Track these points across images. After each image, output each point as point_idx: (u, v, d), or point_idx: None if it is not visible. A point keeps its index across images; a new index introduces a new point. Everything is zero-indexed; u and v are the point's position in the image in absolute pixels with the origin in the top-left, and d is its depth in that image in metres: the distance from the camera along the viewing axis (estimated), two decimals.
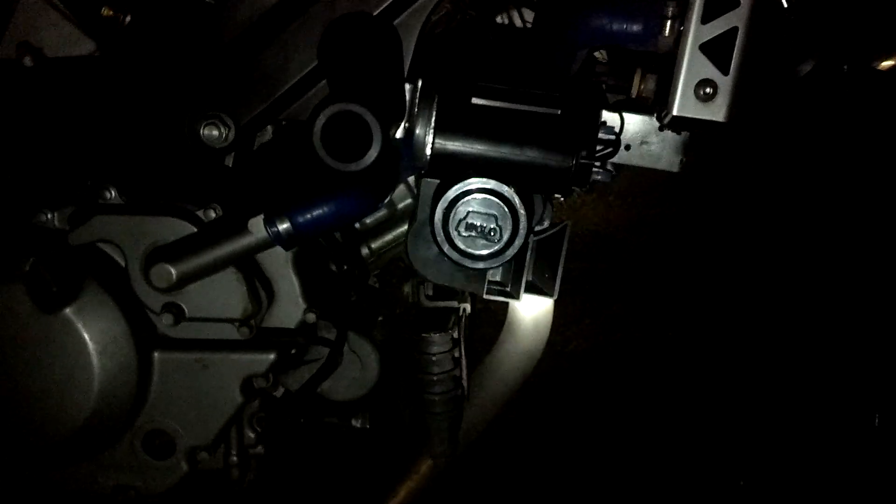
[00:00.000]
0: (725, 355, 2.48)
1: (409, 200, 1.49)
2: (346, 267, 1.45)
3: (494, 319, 1.68)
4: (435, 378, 1.47)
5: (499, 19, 1.40)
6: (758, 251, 2.45)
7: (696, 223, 2.53)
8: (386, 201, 1.48)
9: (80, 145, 1.32)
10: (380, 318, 1.61)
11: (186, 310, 1.33)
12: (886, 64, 1.43)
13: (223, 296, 1.33)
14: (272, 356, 1.38)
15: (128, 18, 1.27)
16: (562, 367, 2.54)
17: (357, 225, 1.52)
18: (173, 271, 1.27)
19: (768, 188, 2.40)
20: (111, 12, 1.26)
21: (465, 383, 1.52)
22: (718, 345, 2.49)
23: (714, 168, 2.38)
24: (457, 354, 1.48)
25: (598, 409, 2.55)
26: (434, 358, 1.45)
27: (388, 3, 1.24)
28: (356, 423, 1.64)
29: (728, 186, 2.46)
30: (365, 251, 1.54)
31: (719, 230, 2.50)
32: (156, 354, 1.37)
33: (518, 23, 1.40)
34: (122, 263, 1.33)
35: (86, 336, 1.30)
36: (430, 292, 1.50)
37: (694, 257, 2.52)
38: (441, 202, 1.19)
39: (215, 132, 1.26)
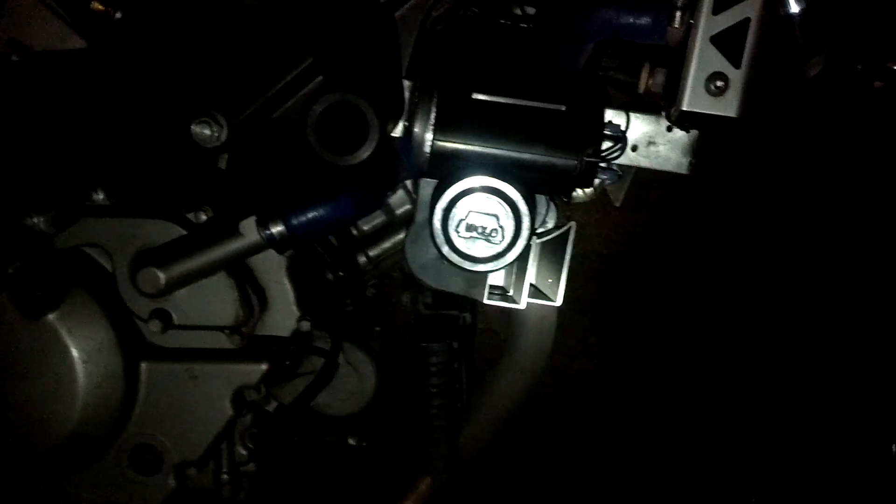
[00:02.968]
0: (735, 376, 2.43)
1: (407, 206, 1.44)
2: (342, 274, 1.40)
3: (496, 330, 1.64)
4: (434, 389, 1.41)
5: (502, 15, 1.36)
6: (770, 269, 2.41)
7: (704, 242, 2.48)
8: (384, 207, 1.43)
9: (68, 144, 1.28)
10: (377, 329, 1.57)
11: (175, 317, 1.29)
12: None
13: (213, 302, 1.28)
14: (264, 366, 1.33)
15: (118, 14, 1.23)
16: (566, 388, 2.49)
17: (354, 231, 1.48)
18: (161, 276, 1.23)
19: (779, 198, 2.36)
20: (102, 7, 1.22)
21: (464, 396, 1.46)
22: (727, 365, 2.44)
23: (721, 182, 2.35)
24: (457, 365, 1.43)
25: (604, 429, 2.50)
26: (433, 368, 1.40)
27: None
28: (352, 440, 1.59)
29: (737, 199, 2.42)
30: (362, 259, 1.50)
31: (728, 248, 2.45)
32: (143, 364, 1.32)
33: (522, 18, 1.36)
34: (110, 268, 1.28)
35: (70, 343, 1.26)
36: (430, 300, 1.45)
37: (702, 277, 2.48)
38: (440, 201, 1.15)
39: (207, 131, 1.22)
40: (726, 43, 1.07)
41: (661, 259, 2.52)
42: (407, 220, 1.40)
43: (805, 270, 2.37)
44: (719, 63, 1.07)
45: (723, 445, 2.44)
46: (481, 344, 1.66)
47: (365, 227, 1.49)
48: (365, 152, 1.04)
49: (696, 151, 1.26)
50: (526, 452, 2.41)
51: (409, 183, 1.41)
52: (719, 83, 1.07)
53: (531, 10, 1.34)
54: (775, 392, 2.40)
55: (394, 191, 1.42)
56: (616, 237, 2.55)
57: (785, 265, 2.39)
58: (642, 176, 1.32)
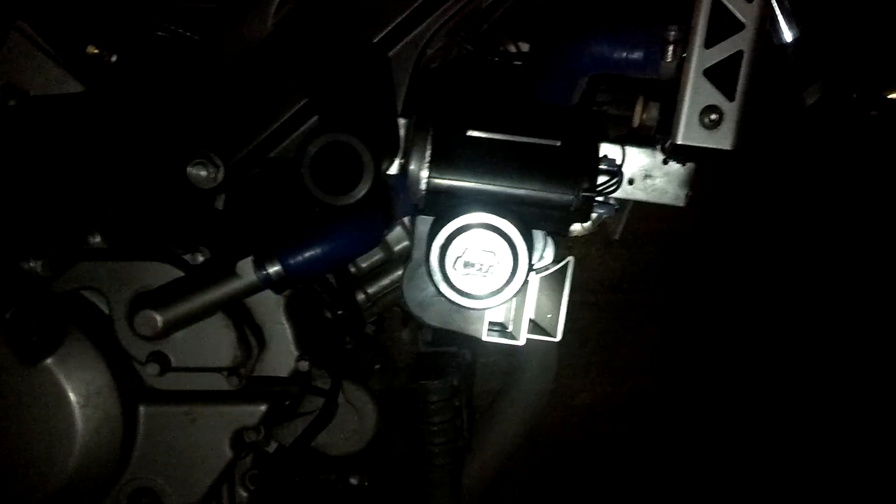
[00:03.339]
0: (738, 407, 2.41)
1: (406, 243, 1.44)
2: (341, 313, 1.39)
3: (497, 366, 1.62)
4: (435, 428, 1.40)
5: (496, 52, 1.36)
6: (768, 297, 2.40)
7: (704, 273, 2.47)
8: (381, 244, 1.43)
9: (65, 188, 1.28)
10: (377, 367, 1.55)
11: (173, 359, 1.28)
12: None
13: (211, 344, 1.27)
14: (263, 407, 1.32)
15: (114, 57, 1.24)
16: (570, 420, 2.47)
17: (352, 269, 1.47)
18: (158, 318, 1.22)
19: (777, 226, 2.35)
20: (96, 51, 1.23)
21: (466, 433, 1.45)
22: (731, 396, 2.42)
23: (721, 212, 2.35)
24: (457, 403, 1.41)
25: (608, 461, 2.47)
26: (433, 406, 1.39)
27: (382, 35, 1.20)
28: (354, 480, 1.57)
29: (734, 228, 2.41)
30: (361, 296, 1.49)
31: (728, 279, 2.45)
32: (141, 407, 1.31)
33: (516, 55, 1.37)
34: (107, 311, 1.28)
35: (67, 388, 1.24)
36: (429, 338, 1.44)
37: (702, 307, 2.47)
38: (437, 238, 1.14)
39: (203, 172, 1.21)
40: (719, 76, 1.07)
41: (662, 290, 2.51)
42: (405, 257, 1.40)
43: (805, 300, 2.36)
44: (713, 96, 1.07)
45: (729, 477, 2.41)
46: (484, 378, 1.66)
47: (363, 265, 1.48)
48: (360, 192, 1.03)
49: (693, 184, 1.26)
50: (529, 487, 2.39)
51: (407, 220, 1.40)
52: (713, 116, 1.07)
53: (525, 47, 1.34)
54: (781, 420, 2.38)
55: (392, 228, 1.42)
56: (618, 268, 2.55)
57: (784, 294, 2.38)
58: (643, 208, 1.31)
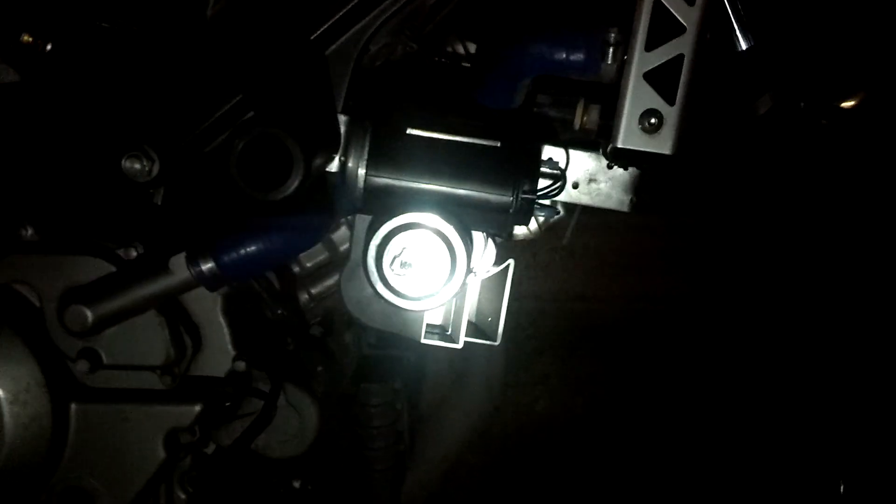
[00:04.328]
0: (700, 417, 2.41)
1: None
2: (281, 313, 1.36)
3: (442, 369, 1.60)
4: (374, 431, 1.37)
5: (440, 52, 1.35)
6: (732, 305, 2.40)
7: (667, 280, 2.47)
8: (326, 243, 1.40)
9: None
10: (319, 369, 1.53)
11: (104, 356, 1.25)
12: (847, 104, 1.39)
13: (144, 341, 1.25)
14: (198, 408, 1.29)
15: (49, 46, 1.21)
16: (527, 427, 2.45)
17: (296, 268, 1.45)
18: (89, 313, 1.19)
19: (736, 233, 2.36)
20: (31, 39, 1.20)
21: (407, 438, 1.42)
22: (692, 406, 2.41)
23: (684, 220, 2.35)
24: (399, 406, 1.39)
25: (564, 470, 2.46)
26: (373, 410, 1.36)
27: (320, 31, 1.18)
28: (296, 484, 1.54)
29: (699, 236, 2.41)
30: (304, 296, 1.47)
31: (691, 286, 2.45)
32: (73, 405, 1.28)
33: (460, 55, 1.35)
34: (39, 305, 1.25)
35: None
36: (373, 340, 1.42)
37: (666, 316, 2.47)
38: (374, 238, 1.12)
39: (137, 165, 1.18)
40: (660, 79, 1.06)
41: (624, 297, 2.51)
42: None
43: (773, 302, 2.36)
44: (653, 100, 1.06)
45: (689, 486, 2.41)
46: (430, 381, 1.63)
47: (308, 264, 1.46)
48: (289, 187, 1.01)
49: (637, 189, 1.24)
50: (483, 495, 2.37)
51: (352, 219, 1.38)
52: (653, 120, 1.06)
53: (472, 47, 1.33)
54: (748, 426, 2.38)
55: (336, 227, 1.40)
56: (580, 276, 2.54)
57: (747, 302, 2.38)
58: (601, 213, 1.30)
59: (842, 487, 1.95)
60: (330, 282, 1.47)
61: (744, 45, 1.25)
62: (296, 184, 1.01)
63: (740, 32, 1.24)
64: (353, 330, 1.49)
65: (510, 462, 2.40)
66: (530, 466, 2.45)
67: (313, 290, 1.47)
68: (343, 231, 1.41)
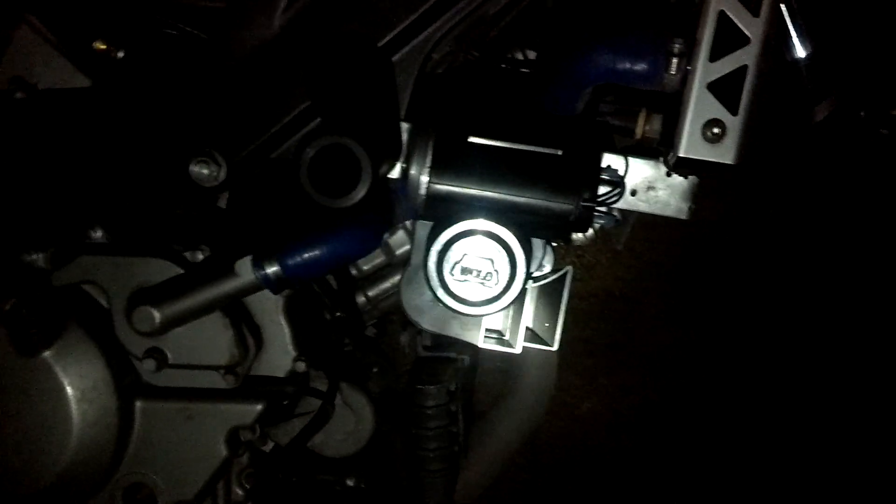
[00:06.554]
0: (746, 419, 2.39)
1: (407, 247, 1.42)
2: (340, 315, 1.39)
3: (497, 372, 1.61)
4: (430, 433, 1.39)
5: (502, 59, 1.36)
6: (779, 309, 2.38)
7: (714, 281, 2.46)
8: (384, 247, 1.42)
9: (69, 181, 1.28)
10: (375, 370, 1.55)
11: (170, 356, 1.28)
12: None
13: (208, 341, 1.27)
14: (259, 406, 1.32)
15: (120, 53, 1.25)
16: (573, 429, 2.46)
17: (353, 271, 1.47)
18: (156, 314, 1.22)
19: (786, 238, 2.34)
20: (104, 46, 1.24)
21: (461, 439, 1.44)
22: (739, 408, 2.40)
23: (729, 223, 2.33)
24: (454, 408, 1.41)
25: (610, 472, 2.46)
26: (429, 411, 1.38)
27: (387, 39, 1.20)
28: (350, 482, 1.57)
29: (745, 240, 2.40)
30: (361, 299, 1.48)
31: (738, 288, 2.43)
32: (138, 403, 1.31)
33: (522, 63, 1.36)
34: (107, 306, 1.28)
35: (65, 381, 1.24)
36: (428, 342, 1.44)
37: (712, 317, 2.46)
38: (435, 244, 1.14)
39: (205, 170, 1.22)
40: (723, 90, 1.07)
41: (670, 299, 2.50)
42: (406, 261, 1.40)
43: (815, 312, 2.34)
44: (716, 110, 1.07)
45: (734, 488, 2.40)
46: (485, 383, 1.65)
47: (365, 267, 1.47)
48: (357, 195, 1.03)
49: (696, 197, 1.25)
50: (530, 495, 2.38)
51: (409, 223, 1.40)
52: (716, 130, 1.06)
53: (532, 55, 1.34)
54: (792, 431, 2.36)
55: (393, 231, 1.42)
56: (626, 277, 2.54)
57: (795, 306, 2.36)
58: (650, 217, 1.31)
59: None
60: (386, 284, 1.48)
61: (803, 53, 1.25)
62: (363, 191, 1.03)
63: (799, 39, 1.24)
64: (409, 332, 1.50)
65: (556, 464, 2.41)
66: (575, 468, 2.46)
67: (370, 293, 1.49)
68: (400, 235, 1.42)
